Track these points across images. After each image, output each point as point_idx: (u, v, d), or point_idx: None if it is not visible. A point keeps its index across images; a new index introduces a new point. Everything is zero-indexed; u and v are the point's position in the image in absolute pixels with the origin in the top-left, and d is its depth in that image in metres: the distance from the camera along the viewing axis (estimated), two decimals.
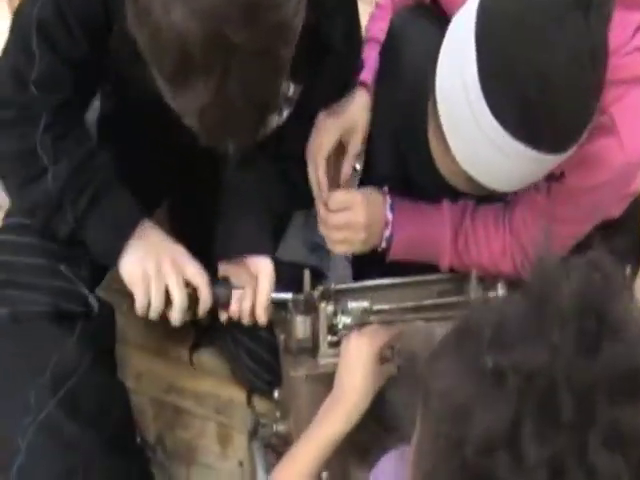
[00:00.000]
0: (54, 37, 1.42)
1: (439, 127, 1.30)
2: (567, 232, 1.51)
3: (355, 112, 1.60)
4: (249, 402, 1.90)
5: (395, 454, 1.29)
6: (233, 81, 1.16)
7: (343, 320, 1.56)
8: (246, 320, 1.58)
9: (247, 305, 1.56)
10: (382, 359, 1.48)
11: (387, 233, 1.61)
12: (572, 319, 0.82)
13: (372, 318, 1.57)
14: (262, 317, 1.57)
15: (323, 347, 1.56)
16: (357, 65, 1.63)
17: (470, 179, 1.32)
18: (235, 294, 1.57)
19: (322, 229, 1.62)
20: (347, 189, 1.65)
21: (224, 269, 1.61)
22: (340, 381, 1.46)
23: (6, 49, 1.50)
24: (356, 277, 1.87)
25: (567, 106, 1.21)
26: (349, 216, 1.59)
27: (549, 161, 1.27)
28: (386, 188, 1.63)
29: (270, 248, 1.62)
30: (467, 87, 1.23)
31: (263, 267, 1.57)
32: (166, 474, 1.85)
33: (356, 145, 1.63)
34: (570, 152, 1.27)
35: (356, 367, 1.44)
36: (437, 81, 1.30)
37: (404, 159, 1.65)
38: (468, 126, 1.25)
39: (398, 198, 1.63)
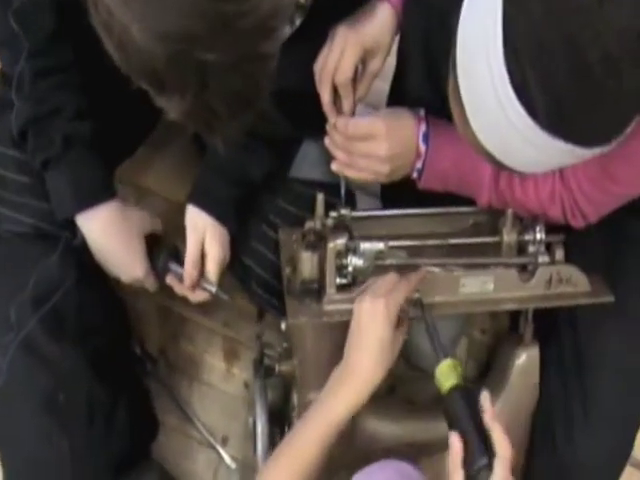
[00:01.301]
0: None
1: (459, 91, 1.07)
2: (619, 191, 1.30)
3: (378, 30, 1.35)
4: (260, 317, 1.76)
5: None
6: (212, 94, 1.01)
7: (354, 262, 1.38)
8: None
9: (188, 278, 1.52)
10: (399, 322, 1.31)
11: (419, 165, 1.39)
12: None
13: (388, 261, 1.39)
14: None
15: (330, 290, 1.37)
16: None
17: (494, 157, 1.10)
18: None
19: (339, 154, 1.41)
20: (371, 114, 1.42)
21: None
22: (352, 353, 1.28)
23: None
24: (385, 202, 1.68)
25: (611, 95, 0.97)
26: (370, 147, 1.37)
27: (588, 154, 1.04)
28: (422, 112, 1.40)
29: (220, 208, 1.51)
30: (490, 63, 0.99)
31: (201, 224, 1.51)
32: (166, 389, 1.75)
33: (376, 67, 1.38)
34: (615, 143, 1.04)
35: (370, 339, 1.27)
36: (458, 40, 1.05)
37: (437, 69, 1.40)
38: (491, 108, 1.02)
39: (433, 120, 1.39)
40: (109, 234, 1.49)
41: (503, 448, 1.12)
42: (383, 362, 1.27)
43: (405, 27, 1.42)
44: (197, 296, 1.54)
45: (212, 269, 1.51)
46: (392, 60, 1.49)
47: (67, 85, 1.44)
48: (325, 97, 1.37)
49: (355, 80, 1.38)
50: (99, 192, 1.47)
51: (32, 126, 1.45)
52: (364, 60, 1.37)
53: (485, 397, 1.18)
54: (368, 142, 1.37)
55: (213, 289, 1.51)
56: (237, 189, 1.51)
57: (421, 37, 1.40)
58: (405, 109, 1.40)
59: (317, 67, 1.36)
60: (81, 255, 1.51)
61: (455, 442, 1.15)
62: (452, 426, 1.18)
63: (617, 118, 1.02)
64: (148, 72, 1.01)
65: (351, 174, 1.41)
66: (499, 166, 1.12)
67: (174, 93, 1.02)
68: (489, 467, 1.11)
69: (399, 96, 1.55)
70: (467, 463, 1.13)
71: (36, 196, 1.50)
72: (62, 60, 1.43)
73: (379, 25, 1.35)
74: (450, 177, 1.41)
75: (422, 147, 1.38)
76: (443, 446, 1.57)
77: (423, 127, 1.38)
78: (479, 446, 1.13)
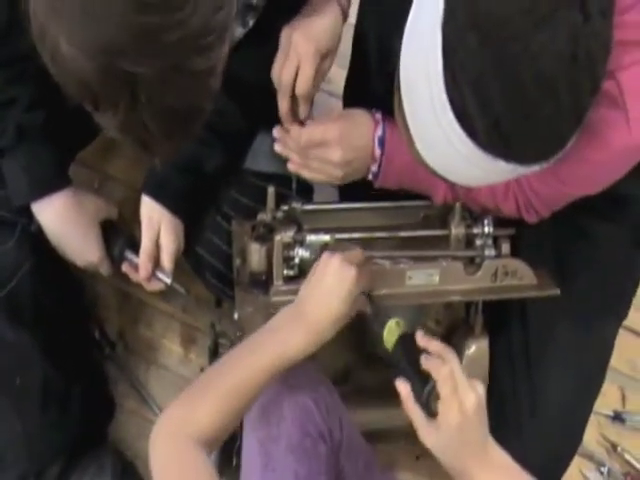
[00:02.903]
0: None
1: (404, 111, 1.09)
2: (568, 190, 1.32)
3: (331, 33, 1.35)
4: (218, 305, 1.77)
5: None
6: (145, 109, 1.01)
7: (301, 253, 1.40)
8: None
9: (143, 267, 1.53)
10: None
11: (374, 168, 1.41)
12: None
13: None
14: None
15: (277, 282, 1.39)
16: None
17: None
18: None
19: (293, 157, 1.42)
20: (324, 121, 1.41)
21: None
22: (312, 305, 1.25)
23: None
24: (342, 194, 1.70)
25: (548, 116, 0.99)
26: (324, 153, 1.37)
27: (528, 171, 1.07)
28: (378, 115, 1.40)
29: (169, 199, 1.51)
30: (432, 91, 1.02)
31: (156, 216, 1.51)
32: (124, 372, 1.77)
33: (328, 66, 1.38)
34: (554, 160, 1.06)
35: (335, 302, 1.24)
36: (401, 67, 1.08)
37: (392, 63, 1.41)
38: (434, 131, 1.05)
39: (390, 122, 1.38)
40: (64, 221, 1.50)
41: (438, 371, 1.15)
42: (340, 317, 1.25)
43: (359, 21, 1.45)
44: (152, 285, 1.55)
45: (167, 261, 1.52)
46: (348, 46, 1.50)
47: (23, 76, 1.44)
48: (284, 107, 1.37)
49: None
50: (52, 181, 1.49)
51: None
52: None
53: (420, 336, 1.22)
54: (322, 148, 1.37)
55: (168, 281, 1.53)
56: (190, 181, 1.51)
57: (375, 30, 1.41)
58: (362, 111, 1.41)
59: (274, 75, 1.36)
60: (37, 241, 1.52)
61: (401, 387, 1.19)
62: (398, 375, 1.22)
63: (554, 138, 1.04)
64: (81, 87, 1.01)
65: (306, 174, 1.42)
66: (444, 180, 1.15)
67: (107, 108, 1.02)
68: (436, 391, 1.15)
69: (355, 85, 1.58)
70: (417, 398, 1.17)
71: None
72: (18, 51, 1.41)
73: (331, 27, 1.35)
74: (405, 178, 1.42)
75: (377, 151, 1.39)
76: (397, 434, 1.61)
77: (379, 131, 1.38)
78: (421, 378, 1.17)
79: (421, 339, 1.21)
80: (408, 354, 1.21)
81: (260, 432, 1.27)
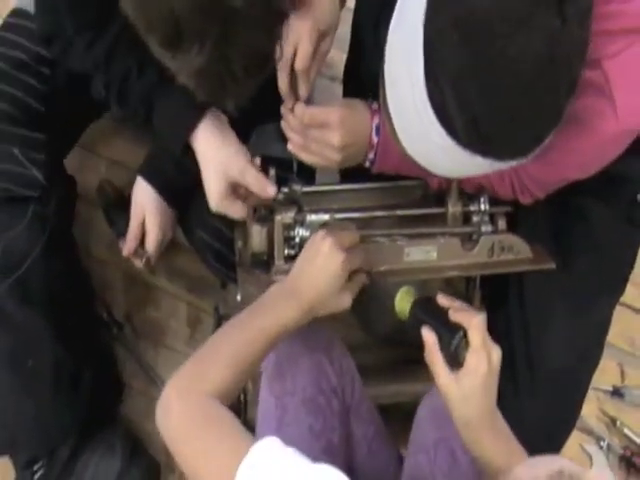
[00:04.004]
0: None
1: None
2: (561, 175, 1.36)
3: (330, 11, 1.37)
4: (223, 286, 1.80)
5: None
6: (230, 45, 1.05)
7: (301, 233, 1.43)
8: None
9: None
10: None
11: (371, 155, 1.43)
12: None
13: None
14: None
15: (278, 262, 1.43)
16: None
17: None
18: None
19: (294, 137, 1.43)
20: (326, 104, 1.44)
21: None
22: (301, 274, 1.28)
23: None
24: (343, 177, 1.72)
25: (526, 116, 1.03)
26: (324, 135, 1.40)
27: (504, 165, 1.09)
28: (375, 105, 1.42)
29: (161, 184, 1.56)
30: (413, 86, 1.04)
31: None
32: (133, 354, 1.81)
33: (327, 46, 1.40)
34: (532, 156, 1.09)
35: (324, 271, 1.26)
36: (385, 62, 1.11)
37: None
38: (415, 126, 1.08)
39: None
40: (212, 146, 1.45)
41: (470, 320, 1.18)
42: (328, 298, 1.27)
43: (357, 7, 1.48)
44: (139, 263, 1.61)
45: (151, 245, 1.58)
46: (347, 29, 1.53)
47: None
48: (283, 84, 1.39)
49: None
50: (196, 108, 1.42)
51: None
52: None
53: (440, 297, 1.24)
54: (322, 130, 1.39)
55: (140, 264, 1.61)
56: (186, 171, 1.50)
57: (371, 18, 1.45)
58: (359, 101, 1.43)
59: (275, 57, 1.37)
60: (49, 221, 1.55)
61: (427, 336, 1.20)
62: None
63: (532, 136, 1.07)
64: (168, 24, 1.04)
65: (305, 157, 1.44)
66: (425, 172, 1.18)
67: (193, 43, 1.05)
68: (465, 340, 1.18)
69: (353, 71, 1.61)
70: (445, 349, 1.19)
71: (3, 160, 1.52)
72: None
73: (328, 8, 1.37)
74: (401, 165, 1.44)
75: (375, 139, 1.41)
76: (399, 408, 1.64)
77: (376, 119, 1.41)
78: (449, 329, 1.19)
79: (443, 299, 1.24)
80: (431, 312, 1.24)
81: (276, 387, 1.33)
